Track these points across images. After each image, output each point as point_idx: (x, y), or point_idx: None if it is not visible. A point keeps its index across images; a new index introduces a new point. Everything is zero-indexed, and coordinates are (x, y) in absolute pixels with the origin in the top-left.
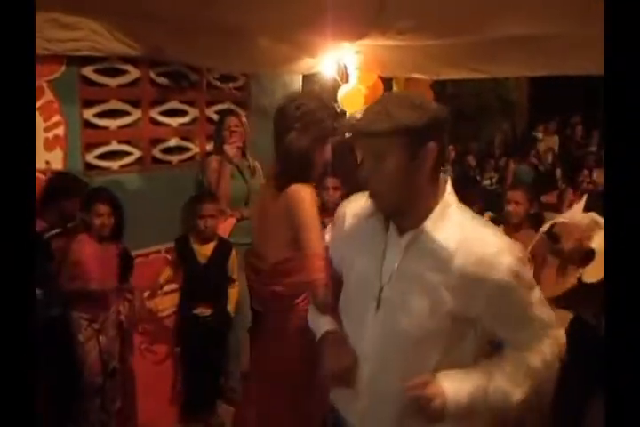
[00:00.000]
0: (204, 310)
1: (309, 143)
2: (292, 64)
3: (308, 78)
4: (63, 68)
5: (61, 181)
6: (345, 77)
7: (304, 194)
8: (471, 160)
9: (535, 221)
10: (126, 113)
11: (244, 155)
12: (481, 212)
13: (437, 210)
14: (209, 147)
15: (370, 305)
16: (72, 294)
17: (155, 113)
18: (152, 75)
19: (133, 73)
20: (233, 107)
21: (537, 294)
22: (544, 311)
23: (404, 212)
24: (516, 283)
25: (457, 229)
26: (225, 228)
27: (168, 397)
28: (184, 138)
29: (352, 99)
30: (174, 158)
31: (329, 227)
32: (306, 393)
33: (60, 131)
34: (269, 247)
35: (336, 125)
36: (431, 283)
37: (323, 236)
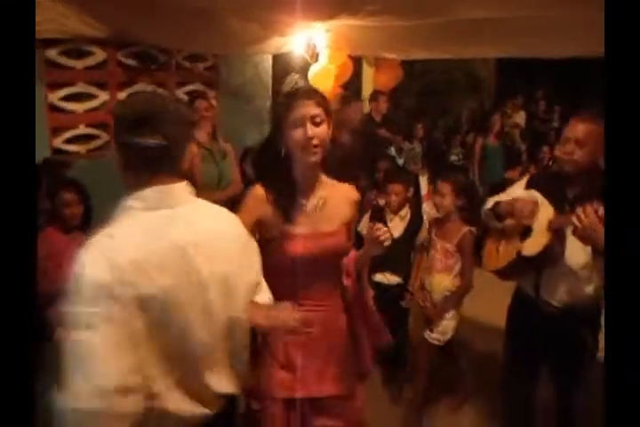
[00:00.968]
0: None
1: None
2: (261, 44)
3: (277, 58)
4: None
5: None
6: (315, 56)
7: None
8: (438, 135)
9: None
10: (93, 96)
11: (214, 137)
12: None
13: None
14: None
15: None
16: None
17: (123, 95)
18: (119, 56)
19: (100, 54)
20: (203, 88)
21: None
22: None
23: None
24: None
25: None
26: None
27: None
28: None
29: (322, 78)
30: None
31: None
32: None
33: None
34: None
35: None
36: None
37: None
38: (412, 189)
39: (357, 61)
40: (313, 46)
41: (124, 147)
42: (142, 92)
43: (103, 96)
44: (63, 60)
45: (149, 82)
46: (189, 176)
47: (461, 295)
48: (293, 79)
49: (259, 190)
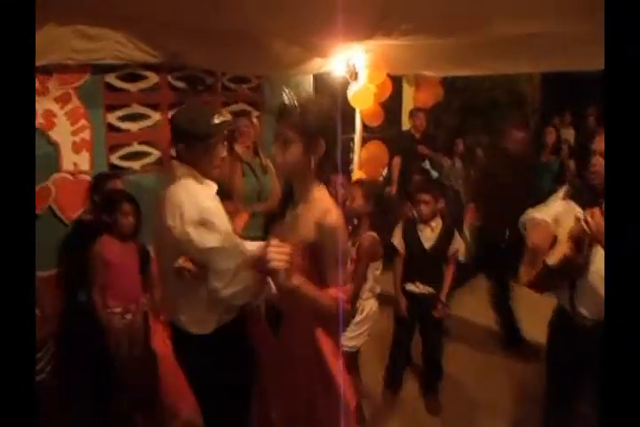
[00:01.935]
0: None
1: None
2: (303, 65)
3: (318, 78)
4: (88, 75)
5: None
6: (354, 76)
7: None
8: (480, 153)
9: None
10: (147, 116)
11: (256, 153)
12: None
13: None
14: None
15: None
16: (104, 291)
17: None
18: (170, 79)
19: (152, 78)
20: (247, 107)
21: None
22: None
23: None
24: None
25: None
26: (238, 223)
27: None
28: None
29: (362, 97)
30: None
31: None
32: None
33: (86, 134)
34: None
35: None
36: None
37: None
38: (442, 201)
39: (397, 80)
40: (352, 66)
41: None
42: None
43: (155, 116)
44: (120, 84)
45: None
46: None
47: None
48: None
49: None
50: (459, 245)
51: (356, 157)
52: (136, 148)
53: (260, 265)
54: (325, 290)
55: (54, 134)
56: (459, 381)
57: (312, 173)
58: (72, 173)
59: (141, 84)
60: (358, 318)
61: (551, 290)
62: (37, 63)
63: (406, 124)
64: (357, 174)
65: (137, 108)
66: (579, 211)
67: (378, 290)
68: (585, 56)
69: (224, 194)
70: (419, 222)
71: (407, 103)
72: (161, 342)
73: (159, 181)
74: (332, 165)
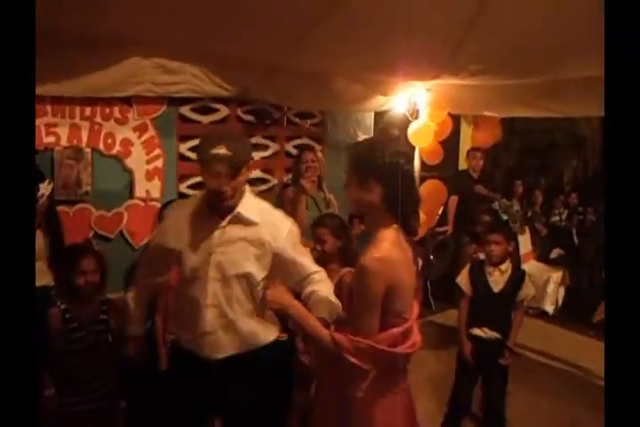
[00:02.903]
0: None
1: None
2: (365, 102)
3: (379, 115)
4: (164, 107)
5: None
6: (415, 114)
7: None
8: (539, 195)
9: None
10: None
11: (319, 187)
12: (550, 247)
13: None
14: (286, 179)
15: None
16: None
17: None
18: (239, 113)
19: (223, 111)
20: (310, 142)
21: (300, 248)
22: (305, 260)
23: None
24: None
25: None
26: None
27: None
28: (264, 170)
29: (422, 135)
30: (255, 189)
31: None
32: None
33: (159, 163)
34: None
35: None
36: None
37: None
38: (513, 244)
39: (455, 119)
40: (414, 104)
41: None
42: None
43: None
44: (193, 116)
45: (263, 136)
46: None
47: None
48: None
49: None
50: (529, 291)
51: None
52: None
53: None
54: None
55: (130, 162)
56: None
57: (382, 211)
58: (144, 200)
59: (212, 117)
60: None
61: None
62: (121, 94)
63: (463, 164)
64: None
65: None
66: None
67: None
68: None
69: None
70: (488, 265)
71: (464, 143)
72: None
73: None
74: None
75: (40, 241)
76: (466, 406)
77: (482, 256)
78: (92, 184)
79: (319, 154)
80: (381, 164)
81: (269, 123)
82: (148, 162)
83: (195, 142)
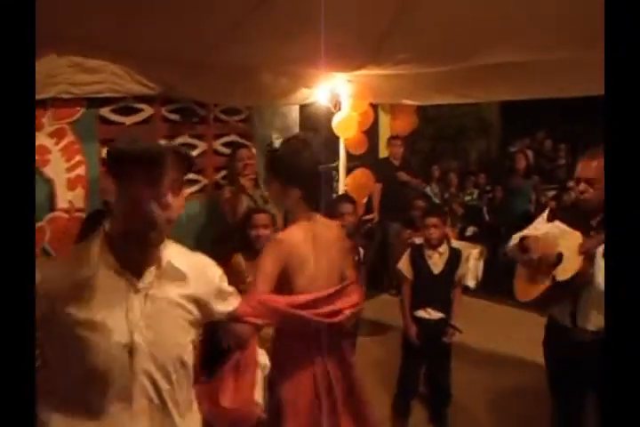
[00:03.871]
0: None
1: None
2: (290, 95)
3: (303, 108)
4: (83, 109)
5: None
6: (338, 106)
7: None
8: (453, 178)
9: None
10: None
11: (256, 184)
12: (465, 225)
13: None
14: (216, 178)
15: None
16: None
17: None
18: (164, 112)
19: (147, 111)
20: (238, 139)
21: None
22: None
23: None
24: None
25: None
26: None
27: None
28: (194, 171)
29: (346, 125)
30: (185, 191)
31: None
32: None
33: (81, 170)
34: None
35: None
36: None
37: None
38: (446, 226)
39: (374, 108)
40: (336, 96)
41: None
42: None
43: None
44: (114, 117)
45: (190, 135)
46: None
47: None
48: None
49: None
50: (466, 270)
51: (341, 186)
52: None
53: None
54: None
55: (48, 171)
56: (466, 406)
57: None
58: (67, 211)
59: (136, 117)
60: None
61: (555, 306)
62: (37, 97)
63: (383, 152)
64: None
65: None
66: (571, 230)
67: None
68: (563, 84)
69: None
70: (427, 248)
71: (383, 132)
72: None
73: None
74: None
75: None
76: (414, 387)
77: (418, 241)
78: None
79: (253, 150)
80: (298, 170)
81: (196, 121)
82: (69, 170)
83: None
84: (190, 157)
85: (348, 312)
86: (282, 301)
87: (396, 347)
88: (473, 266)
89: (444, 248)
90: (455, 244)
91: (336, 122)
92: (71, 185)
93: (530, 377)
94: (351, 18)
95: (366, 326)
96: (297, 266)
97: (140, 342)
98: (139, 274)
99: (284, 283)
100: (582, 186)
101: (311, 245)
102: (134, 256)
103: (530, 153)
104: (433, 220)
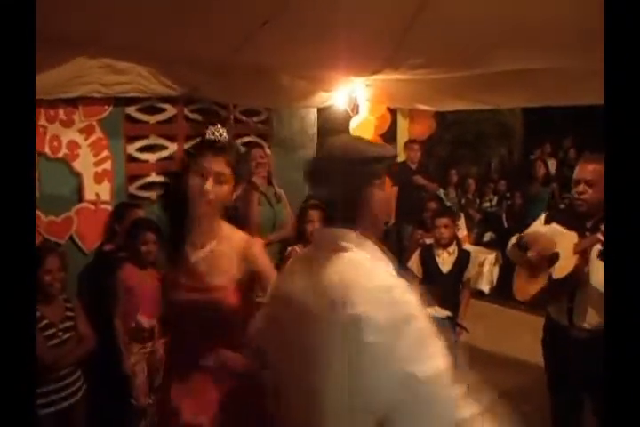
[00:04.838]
0: None
1: None
2: (308, 98)
3: (321, 111)
4: (110, 108)
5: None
6: (356, 109)
7: None
8: (471, 183)
9: None
10: (164, 147)
11: (269, 183)
12: (483, 231)
13: None
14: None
15: None
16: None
17: (189, 146)
18: (186, 112)
19: (170, 110)
20: (257, 139)
21: None
22: None
23: None
24: None
25: None
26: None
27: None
28: None
29: (363, 129)
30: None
31: None
32: None
33: (107, 165)
34: None
35: None
36: None
37: None
38: (458, 226)
39: (393, 112)
40: (354, 100)
41: None
42: None
43: (172, 147)
44: (139, 116)
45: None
46: (248, 217)
47: None
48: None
49: None
50: (479, 274)
51: None
52: (154, 178)
53: None
54: None
55: (77, 165)
56: None
57: None
58: (94, 203)
59: (159, 117)
60: None
61: (552, 304)
62: (68, 95)
63: (401, 156)
64: None
65: (155, 140)
66: (567, 231)
67: None
68: (578, 92)
69: (242, 223)
70: (436, 247)
71: (401, 135)
72: None
73: None
74: None
75: None
76: None
77: (428, 241)
78: (39, 189)
79: (267, 150)
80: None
81: (216, 121)
82: (97, 164)
83: (143, 143)
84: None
85: None
86: None
87: None
88: (488, 271)
89: (453, 248)
90: (470, 248)
91: (353, 125)
92: (98, 178)
93: (533, 378)
94: (368, 22)
95: None
96: None
97: None
98: None
99: None
100: (581, 187)
101: None
102: None
103: (552, 161)
104: (443, 220)
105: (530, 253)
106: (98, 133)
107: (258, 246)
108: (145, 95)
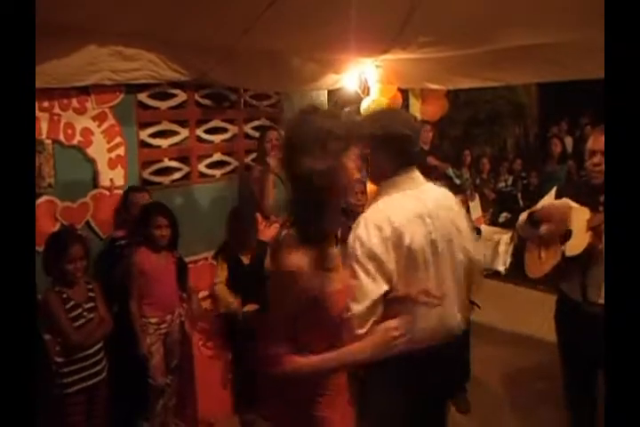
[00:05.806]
0: (250, 308)
1: None
2: (319, 80)
3: (332, 93)
4: (122, 95)
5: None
6: (366, 91)
7: None
8: (485, 163)
9: None
10: (176, 132)
11: (283, 164)
12: (498, 211)
13: None
14: (247, 160)
15: None
16: (141, 302)
17: (200, 131)
18: (197, 97)
19: (181, 96)
20: (268, 123)
21: None
22: None
23: None
24: None
25: None
26: (269, 233)
27: (223, 389)
28: (225, 153)
29: None
30: (217, 172)
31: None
32: None
33: (121, 151)
34: None
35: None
36: None
37: None
38: (466, 206)
39: (404, 93)
40: (365, 81)
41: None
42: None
43: (184, 133)
44: (151, 102)
45: (221, 119)
46: (261, 199)
47: None
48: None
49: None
50: (495, 256)
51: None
52: (167, 163)
53: None
54: None
55: (91, 151)
56: (484, 381)
57: None
58: (108, 189)
59: (170, 102)
60: None
61: (566, 281)
62: (81, 84)
63: None
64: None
65: (167, 125)
66: (579, 206)
67: None
68: (589, 66)
69: (257, 205)
70: None
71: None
72: (197, 350)
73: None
74: None
75: None
76: None
77: None
78: (54, 176)
79: (282, 132)
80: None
81: (227, 106)
82: (110, 150)
83: (155, 129)
84: None
85: None
86: None
87: None
88: (503, 251)
89: None
90: (485, 229)
91: (365, 107)
92: (112, 164)
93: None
94: (375, 1)
95: None
96: None
97: None
98: None
99: None
100: (597, 158)
101: None
102: None
103: (568, 139)
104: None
105: (543, 228)
106: (110, 120)
107: None
108: (156, 81)
